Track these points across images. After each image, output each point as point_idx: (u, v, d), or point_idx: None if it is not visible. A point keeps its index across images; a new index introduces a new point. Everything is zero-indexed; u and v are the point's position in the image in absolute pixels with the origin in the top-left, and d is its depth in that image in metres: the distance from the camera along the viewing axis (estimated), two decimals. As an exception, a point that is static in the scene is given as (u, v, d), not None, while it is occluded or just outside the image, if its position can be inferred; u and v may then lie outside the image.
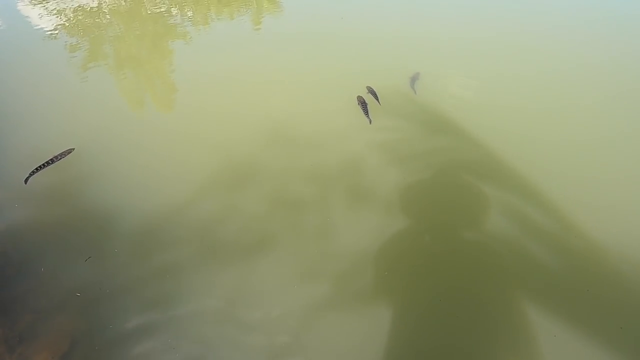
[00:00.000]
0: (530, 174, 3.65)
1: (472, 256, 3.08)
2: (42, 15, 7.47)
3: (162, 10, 7.64)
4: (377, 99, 4.69)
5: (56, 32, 6.78)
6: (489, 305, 2.78)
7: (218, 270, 3.08)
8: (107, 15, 7.59)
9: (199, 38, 6.49)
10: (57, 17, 7.43)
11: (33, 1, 8.16)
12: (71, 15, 7.58)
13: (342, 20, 6.56)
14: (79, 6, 7.92)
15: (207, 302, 2.90)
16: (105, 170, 3.84)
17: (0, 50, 6.32)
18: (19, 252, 3.19)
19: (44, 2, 8.10)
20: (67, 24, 7.13)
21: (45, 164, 3.82)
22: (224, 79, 5.19)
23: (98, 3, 8.11)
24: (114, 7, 7.97)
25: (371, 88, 4.82)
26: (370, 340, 2.67)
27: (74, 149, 4.04)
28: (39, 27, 6.98)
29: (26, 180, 3.71)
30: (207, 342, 2.70)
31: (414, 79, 4.99)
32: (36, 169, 3.77)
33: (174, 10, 7.62)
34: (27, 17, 7.46)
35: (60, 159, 3.92)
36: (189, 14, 7.50)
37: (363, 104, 4.54)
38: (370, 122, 4.33)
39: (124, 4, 8.10)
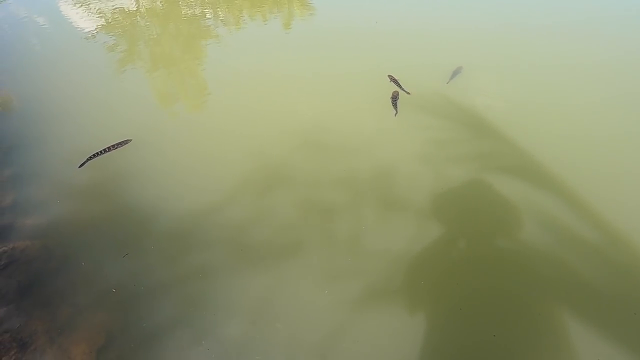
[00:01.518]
0: (572, 180, 3.51)
1: (510, 265, 2.99)
2: (83, 16, 7.76)
3: (196, 12, 7.79)
4: (401, 87, 4.77)
5: (96, 32, 7.02)
6: (526, 318, 2.68)
7: (250, 272, 3.10)
8: (145, 16, 7.81)
9: (231, 40, 6.57)
10: (98, 17, 7.70)
11: (76, 2, 8.49)
12: (110, 16, 7.84)
13: (376, 23, 6.48)
14: (119, 7, 8.19)
15: (238, 303, 2.92)
16: (142, 168, 3.94)
17: (44, 48, 6.61)
18: (61, 246, 3.32)
19: (85, 3, 8.42)
20: (107, 25, 7.39)
21: (103, 151, 4.02)
22: (258, 80, 5.23)
23: (137, 6, 8.36)
24: (150, 8, 8.19)
25: (393, 77, 4.90)
26: (401, 347, 2.62)
27: (131, 139, 4.19)
28: (80, 27, 7.25)
29: (81, 165, 3.92)
30: (238, 343, 2.72)
31: (455, 73, 4.98)
32: (93, 155, 3.97)
33: (208, 13, 7.76)
34: (69, 17, 7.77)
35: (117, 147, 4.09)
36: (222, 15, 7.62)
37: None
38: (395, 114, 4.42)
39: (160, 6, 8.32)
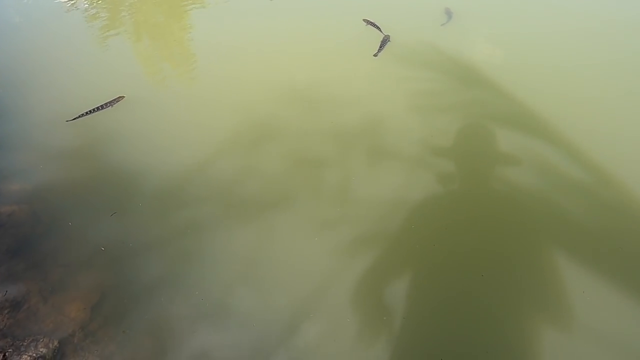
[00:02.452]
0: (561, 127, 3.52)
1: (501, 209, 3.00)
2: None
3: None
4: (378, 28, 4.89)
5: (75, 1, 6.76)
6: (517, 260, 2.71)
7: (239, 226, 3.09)
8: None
9: (217, 5, 6.36)
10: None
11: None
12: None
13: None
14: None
15: (230, 255, 2.93)
16: (127, 132, 3.87)
17: (23, 20, 6.37)
18: (48, 209, 3.28)
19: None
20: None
21: (96, 109, 3.97)
22: (245, 41, 5.10)
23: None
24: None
25: (368, 20, 5.00)
26: (393, 290, 2.65)
27: (124, 97, 4.14)
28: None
29: (72, 119, 3.90)
30: (232, 292, 2.74)
31: (448, 14, 5.05)
32: (86, 112, 3.93)
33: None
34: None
35: (110, 105, 4.05)
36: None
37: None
38: (375, 54, 4.52)
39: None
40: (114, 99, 4.08)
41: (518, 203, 3.00)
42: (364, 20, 5.03)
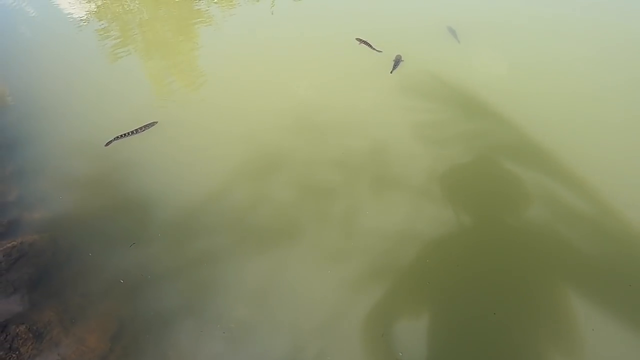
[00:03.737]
0: (568, 158, 3.54)
1: (509, 242, 3.04)
2: (73, 4, 7.58)
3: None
4: (371, 46, 5.13)
5: (87, 19, 6.88)
6: (528, 293, 2.75)
7: (250, 256, 3.17)
8: (136, 1, 7.64)
9: (223, 22, 6.44)
10: (87, 3, 7.53)
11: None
12: (101, 2, 7.66)
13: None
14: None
15: (242, 285, 3.01)
16: (140, 160, 3.97)
17: (36, 38, 6.51)
18: (68, 238, 3.39)
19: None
20: (97, 11, 7.23)
21: (130, 133, 4.13)
22: (251, 62, 5.25)
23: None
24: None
25: (361, 39, 5.23)
26: (405, 324, 2.70)
27: (157, 122, 4.28)
28: (71, 15, 7.10)
29: (107, 144, 4.07)
30: (245, 324, 2.82)
31: (452, 31, 5.28)
32: (121, 135, 4.09)
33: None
34: (59, 6, 7.60)
35: (144, 130, 4.20)
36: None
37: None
38: (391, 72, 4.76)
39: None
40: (148, 124, 4.24)
41: (527, 237, 3.03)
42: (357, 39, 5.26)
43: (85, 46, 6.05)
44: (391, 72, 4.70)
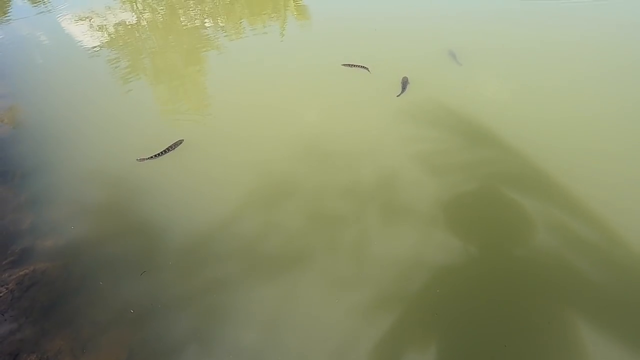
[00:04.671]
0: (572, 185, 3.57)
1: (518, 272, 3.05)
2: (85, 32, 7.88)
3: (196, 24, 7.88)
4: (358, 66, 5.44)
5: (99, 48, 7.13)
6: (538, 325, 2.73)
7: (259, 285, 3.20)
8: (146, 30, 7.93)
9: (231, 50, 6.66)
10: (100, 32, 7.82)
11: (78, 19, 8.60)
12: (112, 30, 7.96)
13: (376, 31, 6.56)
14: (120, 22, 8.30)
15: (252, 314, 3.03)
16: (150, 187, 4.06)
17: (49, 65, 6.74)
18: (80, 267, 3.44)
19: (87, 19, 8.54)
20: (109, 40, 7.50)
21: (161, 153, 4.34)
22: (260, 89, 5.39)
23: (137, 19, 8.47)
24: (151, 21, 8.30)
25: (347, 63, 5.52)
26: (418, 355, 2.71)
27: (183, 140, 4.50)
28: (83, 43, 7.37)
29: (140, 160, 4.29)
30: (255, 351, 2.83)
31: (453, 54, 5.46)
32: (152, 156, 4.30)
33: (208, 23, 7.85)
34: (70, 33, 7.90)
35: (174, 148, 4.42)
36: (222, 25, 7.71)
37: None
38: (399, 95, 4.91)
39: (160, 19, 8.43)
40: (176, 142, 4.46)
41: (535, 266, 3.04)
42: (343, 64, 5.51)
43: (97, 74, 6.26)
44: (398, 96, 4.82)
